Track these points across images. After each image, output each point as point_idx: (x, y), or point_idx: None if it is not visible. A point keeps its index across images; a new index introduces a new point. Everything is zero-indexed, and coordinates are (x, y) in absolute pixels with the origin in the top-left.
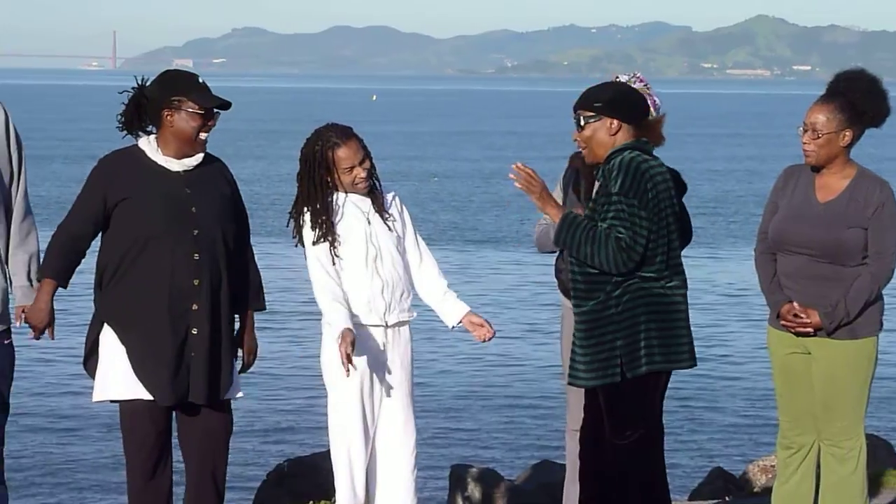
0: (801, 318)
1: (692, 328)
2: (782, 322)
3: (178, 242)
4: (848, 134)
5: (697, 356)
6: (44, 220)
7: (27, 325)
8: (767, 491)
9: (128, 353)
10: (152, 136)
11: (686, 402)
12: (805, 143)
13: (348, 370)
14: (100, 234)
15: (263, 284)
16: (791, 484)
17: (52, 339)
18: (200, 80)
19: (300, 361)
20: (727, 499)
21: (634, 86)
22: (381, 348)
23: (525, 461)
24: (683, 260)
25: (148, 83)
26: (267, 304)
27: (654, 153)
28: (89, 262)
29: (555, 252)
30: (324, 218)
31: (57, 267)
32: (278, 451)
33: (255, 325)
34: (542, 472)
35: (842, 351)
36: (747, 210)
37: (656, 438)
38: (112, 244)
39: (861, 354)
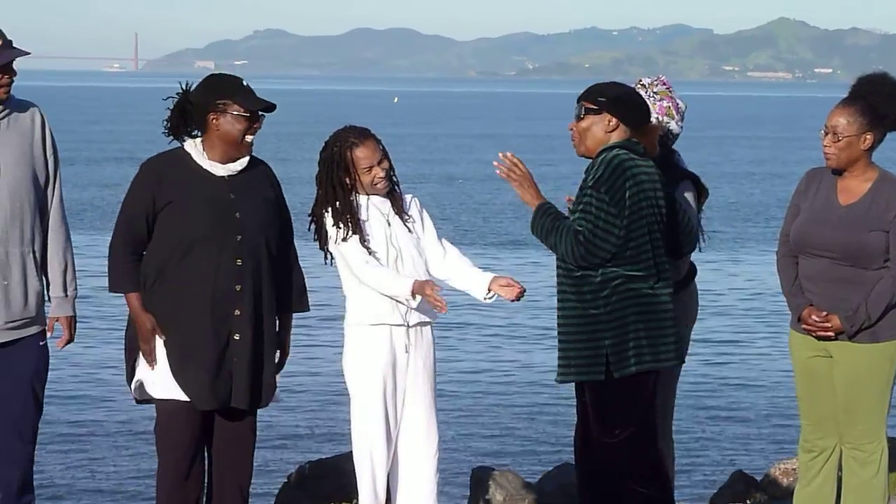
0: (822, 321)
1: (713, 331)
2: (803, 325)
3: (221, 247)
4: (869, 137)
5: (718, 360)
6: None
7: (56, 336)
8: (789, 494)
9: (168, 355)
10: (198, 140)
11: (707, 405)
12: (826, 146)
13: (444, 305)
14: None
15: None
16: (813, 487)
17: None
18: (245, 84)
19: (322, 363)
20: (748, 502)
21: (656, 87)
22: (404, 349)
23: (545, 463)
24: (703, 262)
25: (192, 88)
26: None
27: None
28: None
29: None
30: (347, 216)
31: (131, 279)
32: (300, 453)
33: None
34: (562, 474)
35: (863, 354)
36: (768, 213)
37: (648, 435)
38: (156, 247)
39: (883, 358)
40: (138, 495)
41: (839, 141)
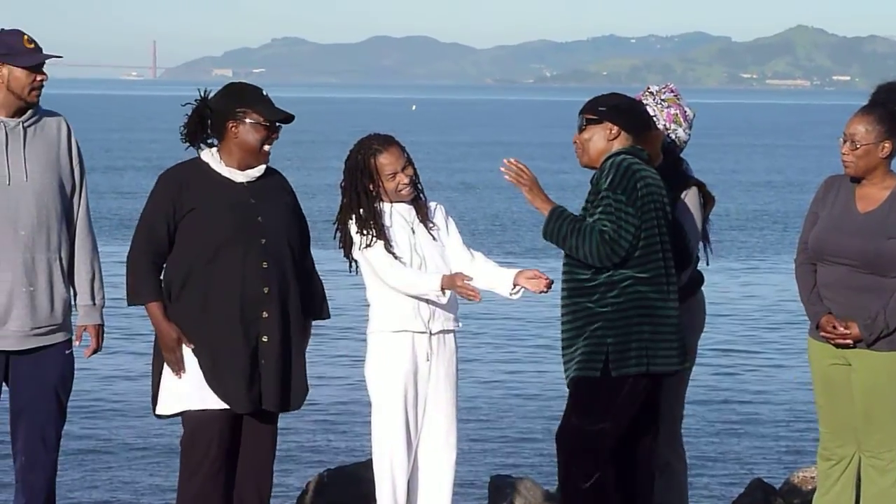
0: (841, 329)
1: (729, 340)
2: (822, 333)
3: (247, 251)
4: (887, 145)
5: (735, 369)
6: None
7: (84, 344)
8: (808, 502)
9: (199, 362)
10: (214, 149)
11: (725, 412)
12: (844, 154)
13: (477, 293)
14: None
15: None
16: (831, 495)
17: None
18: (265, 93)
19: (340, 371)
20: None
21: (664, 95)
22: (426, 357)
23: None
24: (720, 271)
25: (211, 95)
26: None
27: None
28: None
29: None
30: (371, 223)
31: (153, 288)
32: (318, 460)
33: None
34: None
35: (882, 362)
36: (787, 220)
37: (620, 439)
38: (179, 255)
39: None
40: None
41: (857, 149)
